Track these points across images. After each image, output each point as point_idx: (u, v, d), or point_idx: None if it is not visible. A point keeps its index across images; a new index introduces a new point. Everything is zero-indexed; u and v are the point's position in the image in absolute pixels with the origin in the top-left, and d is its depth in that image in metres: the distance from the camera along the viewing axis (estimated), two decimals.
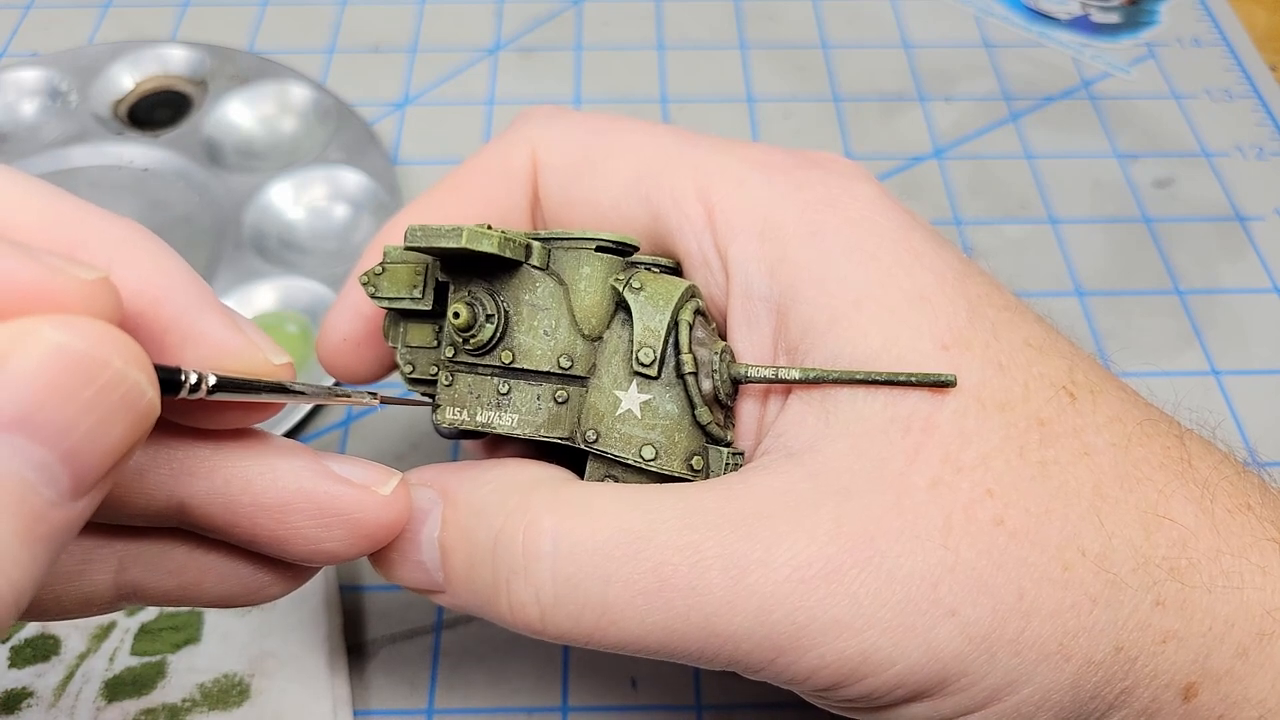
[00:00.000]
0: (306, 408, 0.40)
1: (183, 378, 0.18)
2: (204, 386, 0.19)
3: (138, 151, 0.49)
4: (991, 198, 0.49)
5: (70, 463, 0.16)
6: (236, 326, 0.21)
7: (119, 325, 0.17)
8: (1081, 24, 0.57)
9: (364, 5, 0.58)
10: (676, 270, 0.27)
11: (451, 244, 0.23)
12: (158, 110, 0.51)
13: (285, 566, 0.24)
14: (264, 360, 0.21)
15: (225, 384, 0.19)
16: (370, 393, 0.25)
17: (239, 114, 0.51)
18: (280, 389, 0.21)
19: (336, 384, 0.36)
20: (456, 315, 0.24)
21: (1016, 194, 0.49)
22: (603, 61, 0.55)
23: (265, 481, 0.21)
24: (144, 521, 0.22)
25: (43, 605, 0.22)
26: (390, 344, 0.28)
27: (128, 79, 0.52)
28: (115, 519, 0.22)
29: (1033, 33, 0.56)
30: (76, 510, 0.16)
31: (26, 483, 0.15)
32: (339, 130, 0.49)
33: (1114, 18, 0.57)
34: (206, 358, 0.20)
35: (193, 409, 0.21)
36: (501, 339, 0.25)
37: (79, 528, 0.16)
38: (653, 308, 0.24)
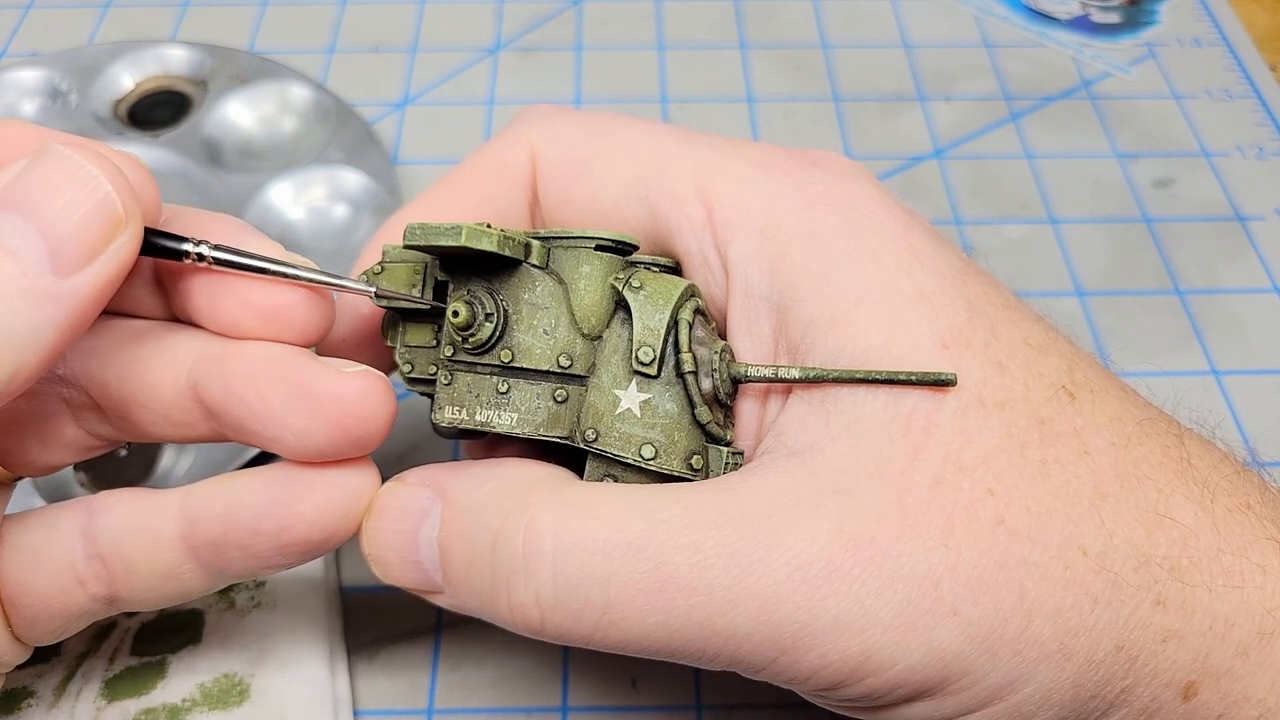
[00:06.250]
0: None
1: (185, 247, 0.23)
2: (208, 259, 0.23)
3: (138, 151, 0.48)
4: (991, 198, 0.49)
5: (48, 235, 0.20)
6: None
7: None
8: (1081, 24, 0.57)
9: (364, 5, 0.58)
10: (676, 270, 0.27)
11: (450, 242, 0.23)
12: (158, 110, 0.51)
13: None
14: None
15: (223, 250, 0.24)
16: (365, 280, 0.26)
17: (239, 114, 0.51)
18: (275, 262, 0.24)
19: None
20: (456, 314, 0.24)
21: (1016, 194, 0.49)
22: (603, 61, 0.55)
23: (246, 352, 0.24)
24: (180, 427, 0.25)
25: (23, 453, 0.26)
26: (389, 343, 0.28)
27: (128, 79, 0.52)
28: (150, 424, 0.25)
29: (1033, 33, 0.56)
30: (67, 285, 0.20)
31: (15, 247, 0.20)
32: (339, 130, 0.49)
33: (1114, 18, 0.57)
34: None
35: (199, 282, 0.24)
36: (501, 338, 0.25)
37: (75, 310, 0.21)
38: (652, 306, 0.24)
